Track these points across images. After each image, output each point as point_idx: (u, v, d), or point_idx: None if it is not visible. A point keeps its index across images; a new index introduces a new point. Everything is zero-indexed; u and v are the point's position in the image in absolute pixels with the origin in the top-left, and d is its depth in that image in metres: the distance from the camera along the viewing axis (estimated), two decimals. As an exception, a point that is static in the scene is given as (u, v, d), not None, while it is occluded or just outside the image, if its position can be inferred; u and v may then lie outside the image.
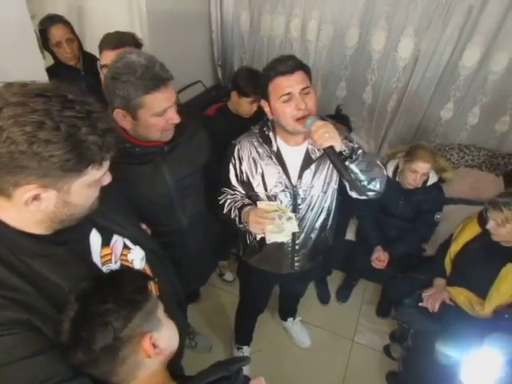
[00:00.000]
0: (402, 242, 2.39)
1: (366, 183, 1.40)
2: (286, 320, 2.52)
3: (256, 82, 2.14)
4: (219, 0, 2.97)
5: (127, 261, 1.02)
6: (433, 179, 2.27)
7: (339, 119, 2.37)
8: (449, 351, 1.83)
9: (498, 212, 1.75)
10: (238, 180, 1.61)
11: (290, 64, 1.34)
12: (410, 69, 2.73)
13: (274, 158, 1.51)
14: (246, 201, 1.59)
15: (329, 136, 1.27)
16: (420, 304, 2.08)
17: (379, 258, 2.38)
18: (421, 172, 2.13)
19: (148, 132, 1.29)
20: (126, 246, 1.03)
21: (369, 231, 2.48)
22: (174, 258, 1.40)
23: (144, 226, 1.42)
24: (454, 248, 2.08)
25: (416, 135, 3.03)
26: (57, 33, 2.08)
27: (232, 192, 1.63)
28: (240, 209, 1.54)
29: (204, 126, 1.65)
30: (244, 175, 1.57)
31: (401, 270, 2.39)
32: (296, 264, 1.76)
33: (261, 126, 1.57)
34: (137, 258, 1.06)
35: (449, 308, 2.01)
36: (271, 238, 1.46)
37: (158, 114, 1.24)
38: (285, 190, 1.54)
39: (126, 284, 0.82)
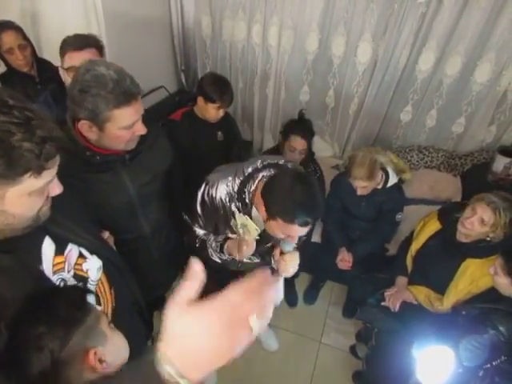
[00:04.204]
0: (365, 242, 2.43)
1: None
2: None
3: (222, 88, 2.14)
4: (180, 5, 2.96)
5: (82, 270, 1.00)
6: (393, 180, 2.32)
7: (302, 123, 2.40)
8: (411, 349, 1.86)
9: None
10: (204, 224, 1.59)
11: (309, 221, 1.27)
12: (369, 73, 2.81)
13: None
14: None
15: (292, 270, 1.42)
16: (382, 303, 2.12)
17: (344, 259, 2.42)
18: (359, 186, 2.15)
19: (113, 143, 1.28)
20: (81, 255, 1.01)
21: (333, 233, 2.51)
22: (138, 265, 1.39)
23: (107, 234, 1.39)
24: (415, 246, 2.12)
25: (378, 138, 3.10)
26: (7, 39, 2.00)
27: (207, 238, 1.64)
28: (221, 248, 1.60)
29: (165, 133, 1.64)
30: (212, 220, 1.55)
31: (365, 271, 2.43)
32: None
33: (241, 185, 1.44)
34: (93, 267, 1.04)
35: (410, 306, 2.06)
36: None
37: (126, 128, 1.23)
38: None
39: (61, 301, 0.78)
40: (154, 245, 1.66)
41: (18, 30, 2.05)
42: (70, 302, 0.79)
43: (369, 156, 2.09)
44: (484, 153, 2.88)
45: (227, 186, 1.45)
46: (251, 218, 1.45)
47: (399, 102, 2.90)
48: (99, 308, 1.02)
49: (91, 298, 1.02)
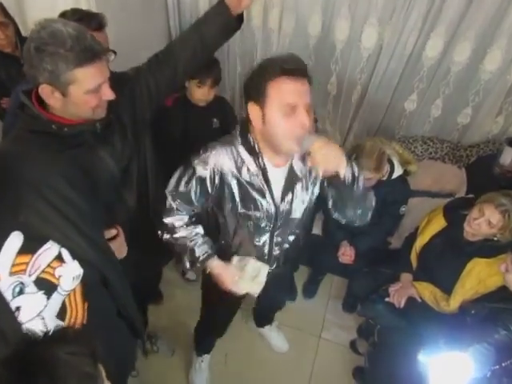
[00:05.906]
0: (368, 236, 2.36)
1: (360, 213, 1.34)
2: (263, 327, 2.42)
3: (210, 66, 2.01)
4: (176, -15, 2.81)
5: (53, 275, 0.87)
6: (398, 172, 2.24)
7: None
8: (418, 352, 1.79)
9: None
10: (200, 197, 1.37)
11: (298, 64, 1.08)
12: (373, 59, 2.68)
13: (260, 175, 1.29)
14: (209, 249, 1.44)
15: (335, 158, 1.08)
16: (386, 299, 2.06)
17: (345, 253, 2.35)
18: (365, 177, 2.06)
19: (79, 110, 1.16)
20: (59, 258, 0.89)
21: (334, 225, 2.43)
22: (135, 231, 1.33)
23: (114, 232, 1.27)
24: (420, 242, 2.06)
25: (380, 127, 3.00)
26: None
27: (186, 222, 1.43)
28: (205, 259, 1.41)
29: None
30: (215, 190, 1.34)
31: (366, 264, 2.36)
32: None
33: (241, 136, 1.29)
34: (68, 275, 0.91)
35: (415, 303, 1.99)
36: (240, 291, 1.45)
37: (92, 91, 1.12)
38: (264, 212, 1.35)
39: (71, 371, 0.60)
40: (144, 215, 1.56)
41: None
42: (82, 372, 0.61)
43: (377, 147, 2.00)
44: (490, 144, 2.78)
45: (229, 146, 1.28)
46: (265, 170, 1.27)
47: (404, 91, 2.78)
48: (62, 323, 0.89)
49: (56, 308, 0.89)
